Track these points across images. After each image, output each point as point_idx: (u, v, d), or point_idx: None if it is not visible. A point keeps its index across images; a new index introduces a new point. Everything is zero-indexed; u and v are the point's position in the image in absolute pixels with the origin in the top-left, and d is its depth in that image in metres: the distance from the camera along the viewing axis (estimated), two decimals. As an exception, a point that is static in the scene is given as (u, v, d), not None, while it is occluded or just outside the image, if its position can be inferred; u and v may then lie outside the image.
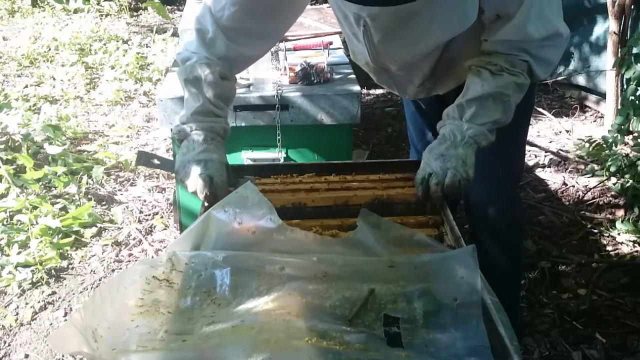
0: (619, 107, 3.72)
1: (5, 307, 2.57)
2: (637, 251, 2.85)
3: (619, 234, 2.97)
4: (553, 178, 3.61)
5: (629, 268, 2.72)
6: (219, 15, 1.56)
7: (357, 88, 2.43)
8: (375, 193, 1.56)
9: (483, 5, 1.47)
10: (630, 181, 3.23)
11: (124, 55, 5.78)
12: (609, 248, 2.90)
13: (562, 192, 3.44)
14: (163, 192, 3.53)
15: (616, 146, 3.45)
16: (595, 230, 3.02)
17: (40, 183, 3.44)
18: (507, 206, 1.98)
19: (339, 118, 2.40)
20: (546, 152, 3.91)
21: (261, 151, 2.43)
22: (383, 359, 1.03)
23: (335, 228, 1.44)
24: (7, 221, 3.12)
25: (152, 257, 2.89)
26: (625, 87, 3.76)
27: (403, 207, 1.54)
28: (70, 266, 2.86)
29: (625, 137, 3.51)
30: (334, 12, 1.66)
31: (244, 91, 2.40)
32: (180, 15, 5.94)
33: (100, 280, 2.76)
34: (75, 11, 7.87)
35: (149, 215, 3.30)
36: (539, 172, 3.69)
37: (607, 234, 2.98)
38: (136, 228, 3.15)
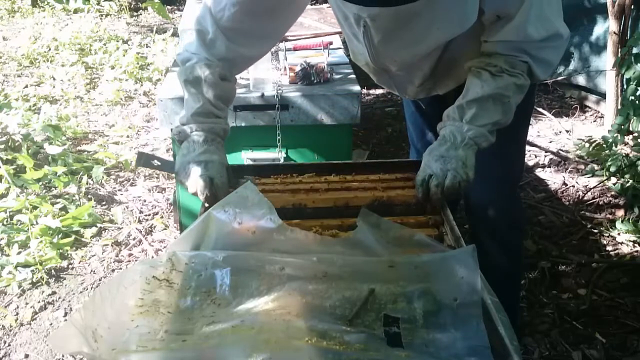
0: (619, 107, 3.72)
1: (5, 307, 2.57)
2: (637, 251, 2.85)
3: (619, 234, 2.97)
4: (553, 178, 3.61)
5: (629, 268, 2.73)
6: (219, 16, 1.56)
7: (357, 88, 2.43)
8: (375, 194, 1.55)
9: (483, 6, 1.47)
10: (630, 181, 3.23)
11: (124, 55, 5.79)
12: (609, 248, 2.90)
13: (562, 192, 3.44)
14: (163, 192, 3.53)
15: (616, 146, 3.46)
16: (595, 230, 3.02)
17: (40, 183, 3.44)
18: (507, 206, 1.99)
19: (339, 118, 2.40)
20: (546, 152, 3.91)
21: (261, 151, 2.43)
22: (383, 359, 1.03)
23: (335, 228, 1.44)
24: (7, 221, 3.12)
25: (152, 257, 2.89)
26: (625, 87, 3.76)
27: (403, 208, 1.54)
28: (70, 266, 2.86)
29: (625, 137, 3.51)
30: (334, 12, 1.66)
31: (244, 91, 2.40)
32: (180, 15, 5.96)
33: (100, 280, 2.76)
34: (75, 11, 7.87)
35: (149, 215, 3.30)
36: (539, 172, 3.69)
37: (607, 234, 2.98)
38: (136, 228, 3.15)
